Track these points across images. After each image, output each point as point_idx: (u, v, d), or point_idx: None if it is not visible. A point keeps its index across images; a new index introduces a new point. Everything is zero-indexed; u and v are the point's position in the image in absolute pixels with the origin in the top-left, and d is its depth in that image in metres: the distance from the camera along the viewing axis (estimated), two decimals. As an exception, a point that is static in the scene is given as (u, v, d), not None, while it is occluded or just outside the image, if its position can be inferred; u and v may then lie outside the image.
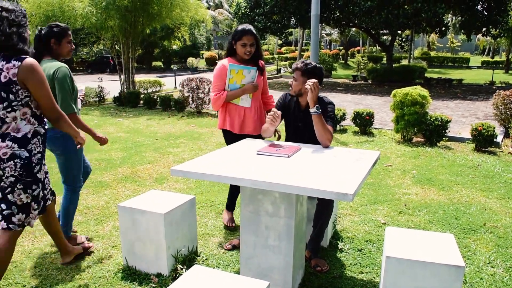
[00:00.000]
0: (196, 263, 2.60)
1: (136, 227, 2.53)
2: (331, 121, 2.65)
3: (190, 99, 9.33)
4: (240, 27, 2.92)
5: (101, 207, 3.67)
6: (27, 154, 2.11)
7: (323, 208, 2.63)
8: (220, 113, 3.06)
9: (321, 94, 2.88)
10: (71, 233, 2.92)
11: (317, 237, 2.65)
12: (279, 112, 2.60)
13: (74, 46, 2.80)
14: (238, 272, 2.47)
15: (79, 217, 3.44)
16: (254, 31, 2.90)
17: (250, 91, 2.96)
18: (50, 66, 2.59)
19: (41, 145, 2.21)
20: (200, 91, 9.24)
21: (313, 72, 2.64)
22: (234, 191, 3.23)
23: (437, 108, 10.04)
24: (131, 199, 2.69)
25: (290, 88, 2.73)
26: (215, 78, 2.94)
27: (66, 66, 2.65)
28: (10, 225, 2.17)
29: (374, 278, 2.54)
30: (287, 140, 2.84)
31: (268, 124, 2.62)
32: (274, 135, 3.18)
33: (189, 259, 2.62)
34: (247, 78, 2.94)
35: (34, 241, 3.01)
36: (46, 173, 2.32)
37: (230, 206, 3.29)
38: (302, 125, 2.73)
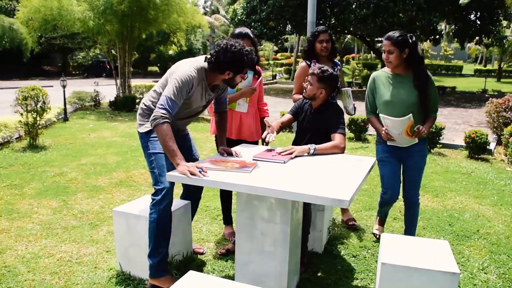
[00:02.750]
0: (190, 269, 2.59)
1: (131, 232, 2.52)
2: (339, 126, 2.69)
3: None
4: (237, 30, 2.87)
5: (95, 211, 3.65)
6: None
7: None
8: (215, 118, 3.04)
9: (335, 101, 2.91)
10: None
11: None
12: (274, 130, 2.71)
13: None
14: (233, 278, 2.46)
15: (73, 221, 3.42)
16: (251, 35, 2.85)
17: (248, 95, 2.93)
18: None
19: None
20: (196, 96, 9.23)
21: (329, 80, 2.68)
22: (225, 205, 3.17)
23: (431, 115, 10.12)
24: (126, 204, 2.68)
25: (305, 91, 2.75)
26: None
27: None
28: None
29: (369, 284, 2.55)
30: (294, 138, 2.89)
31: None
32: (262, 144, 3.18)
33: (183, 265, 2.61)
34: (244, 82, 2.88)
35: (28, 245, 2.99)
36: None
37: (227, 220, 3.21)
38: (309, 126, 2.76)
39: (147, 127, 2.39)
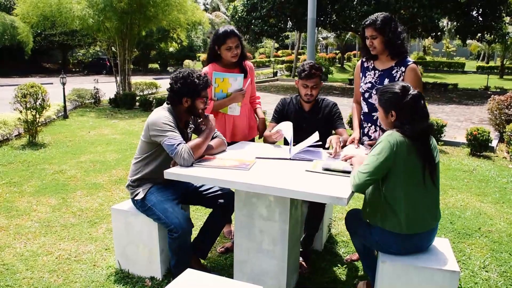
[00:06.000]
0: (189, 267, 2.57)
1: (130, 230, 2.51)
2: (341, 122, 2.73)
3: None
4: (221, 30, 2.70)
5: (94, 209, 3.64)
6: None
7: (313, 213, 2.63)
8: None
9: (322, 97, 2.86)
10: None
11: (305, 242, 2.66)
12: (280, 132, 2.64)
13: None
14: (231, 276, 2.44)
15: (72, 219, 3.41)
16: (237, 31, 2.70)
17: (239, 100, 2.80)
18: None
19: None
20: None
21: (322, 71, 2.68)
22: None
23: (432, 113, 10.06)
24: (125, 202, 2.66)
25: (311, 95, 2.65)
26: None
27: None
28: None
29: (369, 282, 2.53)
30: (286, 140, 2.83)
31: (271, 138, 2.68)
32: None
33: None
34: (234, 85, 2.78)
35: (27, 243, 2.97)
36: None
37: None
38: (306, 125, 2.71)
39: (141, 193, 2.42)
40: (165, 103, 2.47)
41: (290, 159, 2.34)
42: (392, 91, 1.97)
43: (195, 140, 2.33)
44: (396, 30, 2.45)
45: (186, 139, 2.49)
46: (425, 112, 1.94)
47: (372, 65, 2.60)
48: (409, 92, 1.94)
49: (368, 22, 2.49)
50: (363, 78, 2.64)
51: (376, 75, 2.56)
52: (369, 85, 2.57)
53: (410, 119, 1.90)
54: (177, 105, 2.40)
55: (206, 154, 2.40)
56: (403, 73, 2.47)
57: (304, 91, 2.65)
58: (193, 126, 2.57)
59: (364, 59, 2.66)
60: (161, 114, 2.34)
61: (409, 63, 2.47)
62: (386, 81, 2.49)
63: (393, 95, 1.95)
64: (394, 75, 2.49)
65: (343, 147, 2.52)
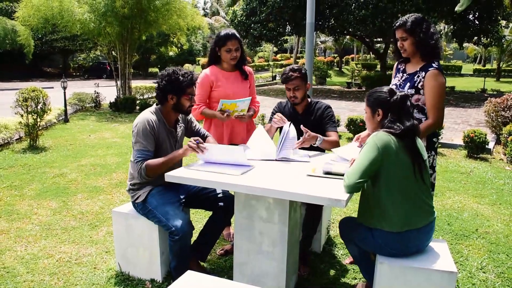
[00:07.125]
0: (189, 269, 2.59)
1: (130, 232, 2.53)
2: (333, 124, 2.74)
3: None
4: (223, 32, 2.78)
5: (95, 212, 3.66)
6: None
7: (310, 215, 2.66)
8: (204, 123, 2.95)
9: (316, 99, 2.91)
10: None
11: (303, 244, 2.69)
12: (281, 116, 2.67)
13: None
14: (231, 278, 2.47)
15: (72, 222, 3.43)
16: (238, 35, 2.77)
17: (222, 120, 2.80)
18: None
19: None
20: (196, 97, 9.27)
21: (306, 74, 2.71)
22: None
23: (430, 116, 10.12)
24: (125, 204, 2.69)
25: (293, 98, 2.70)
26: (197, 88, 2.79)
27: None
28: None
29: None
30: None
31: (273, 124, 2.69)
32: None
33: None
34: (241, 107, 2.82)
35: (27, 246, 2.99)
36: None
37: None
38: (299, 127, 2.74)
39: (142, 196, 2.44)
40: (155, 103, 2.51)
41: (276, 159, 2.42)
42: (380, 91, 2.08)
43: (156, 160, 2.33)
44: (428, 30, 2.33)
45: (175, 138, 2.53)
46: (411, 113, 2.01)
47: (403, 67, 2.54)
48: (397, 93, 2.03)
49: (398, 23, 2.41)
50: (392, 79, 2.60)
51: (403, 78, 2.49)
52: (394, 87, 2.46)
53: (398, 118, 1.97)
54: (164, 103, 2.44)
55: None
56: (422, 79, 2.35)
57: (288, 94, 2.72)
58: (183, 124, 2.60)
59: (399, 61, 2.60)
60: (143, 122, 2.34)
61: (430, 69, 2.33)
62: (408, 85, 2.41)
63: (381, 94, 2.05)
64: (415, 80, 2.38)
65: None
